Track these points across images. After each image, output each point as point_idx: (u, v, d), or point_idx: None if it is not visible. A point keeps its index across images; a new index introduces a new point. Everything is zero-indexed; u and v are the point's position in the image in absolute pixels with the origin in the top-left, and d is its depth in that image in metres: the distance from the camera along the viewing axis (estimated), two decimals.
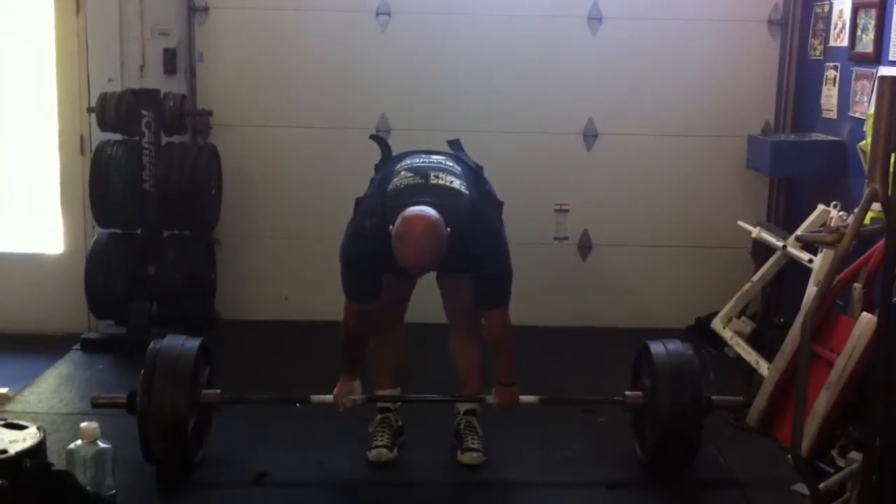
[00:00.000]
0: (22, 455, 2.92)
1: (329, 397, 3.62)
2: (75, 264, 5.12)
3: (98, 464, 3.16)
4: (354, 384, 3.61)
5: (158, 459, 3.52)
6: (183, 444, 3.50)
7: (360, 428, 3.84)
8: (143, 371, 3.51)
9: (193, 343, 3.62)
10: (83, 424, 3.20)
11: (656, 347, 3.69)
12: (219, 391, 3.68)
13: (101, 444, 3.18)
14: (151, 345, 3.61)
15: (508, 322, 3.54)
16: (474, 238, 3.32)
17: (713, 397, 3.67)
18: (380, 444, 3.71)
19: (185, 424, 3.47)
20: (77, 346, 4.94)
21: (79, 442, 3.18)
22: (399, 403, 3.84)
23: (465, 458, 3.70)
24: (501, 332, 3.53)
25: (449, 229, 3.16)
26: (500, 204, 3.62)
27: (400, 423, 3.83)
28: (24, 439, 3.00)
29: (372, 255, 3.33)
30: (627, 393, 3.75)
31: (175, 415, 3.44)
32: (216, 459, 3.71)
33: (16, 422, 3.13)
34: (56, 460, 3.17)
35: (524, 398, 3.65)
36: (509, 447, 3.85)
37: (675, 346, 3.72)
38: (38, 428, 3.09)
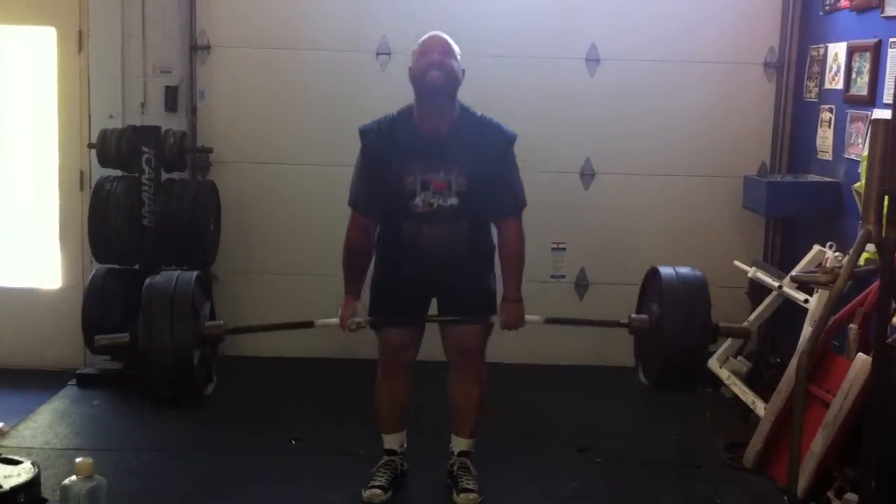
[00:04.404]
0: (16, 490, 2.92)
1: (335, 320, 3.61)
2: (73, 299, 5.12)
3: (93, 499, 3.14)
4: (357, 305, 3.61)
5: (167, 399, 3.48)
6: (190, 378, 3.44)
7: (356, 464, 3.83)
8: (140, 309, 3.45)
9: (189, 276, 3.56)
10: (78, 460, 3.18)
11: (666, 271, 3.66)
12: (222, 322, 3.63)
13: (96, 480, 3.17)
14: (147, 281, 3.53)
15: (522, 233, 3.60)
16: (489, 140, 3.55)
17: (720, 325, 3.63)
18: (375, 484, 3.69)
19: (190, 359, 3.41)
20: (73, 382, 4.92)
21: (73, 477, 3.16)
22: (405, 447, 3.82)
23: (461, 499, 3.67)
24: (515, 242, 3.59)
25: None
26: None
27: (405, 467, 3.82)
28: (19, 474, 3.00)
29: (382, 150, 3.59)
30: (633, 316, 3.72)
31: (178, 350, 3.37)
32: (211, 493, 3.69)
33: (10, 457, 3.13)
34: (50, 496, 3.16)
35: (529, 317, 3.63)
36: (505, 486, 3.83)
37: (684, 270, 3.70)
38: (33, 463, 3.09)
